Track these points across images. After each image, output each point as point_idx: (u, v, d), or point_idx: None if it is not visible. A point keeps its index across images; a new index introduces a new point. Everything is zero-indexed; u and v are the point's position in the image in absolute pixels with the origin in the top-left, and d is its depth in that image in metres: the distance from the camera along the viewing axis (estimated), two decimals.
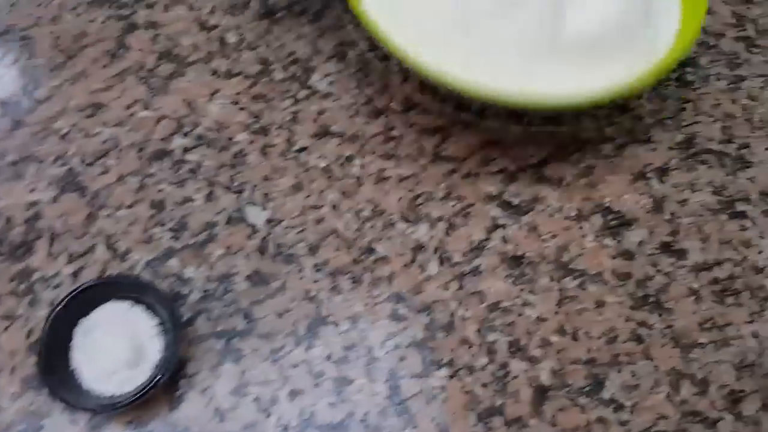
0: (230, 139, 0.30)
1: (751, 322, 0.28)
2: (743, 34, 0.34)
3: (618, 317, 0.28)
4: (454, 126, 0.31)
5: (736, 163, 0.31)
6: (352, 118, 0.31)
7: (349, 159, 0.30)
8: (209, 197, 0.29)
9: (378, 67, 0.32)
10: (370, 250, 0.28)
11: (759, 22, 0.34)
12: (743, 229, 0.30)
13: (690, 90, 0.32)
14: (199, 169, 0.29)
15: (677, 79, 0.33)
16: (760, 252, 0.29)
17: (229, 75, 0.31)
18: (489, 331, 0.27)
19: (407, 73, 0.32)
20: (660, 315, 0.28)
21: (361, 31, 0.32)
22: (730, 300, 0.28)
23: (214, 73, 0.31)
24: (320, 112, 0.31)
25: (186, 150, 0.29)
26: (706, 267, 0.29)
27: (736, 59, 0.33)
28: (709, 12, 0.34)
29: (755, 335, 0.28)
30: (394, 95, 0.31)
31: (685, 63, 0.33)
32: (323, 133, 0.30)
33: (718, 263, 0.29)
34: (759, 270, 0.29)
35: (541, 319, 0.28)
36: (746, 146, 0.32)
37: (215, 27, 0.32)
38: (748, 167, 0.31)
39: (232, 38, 0.32)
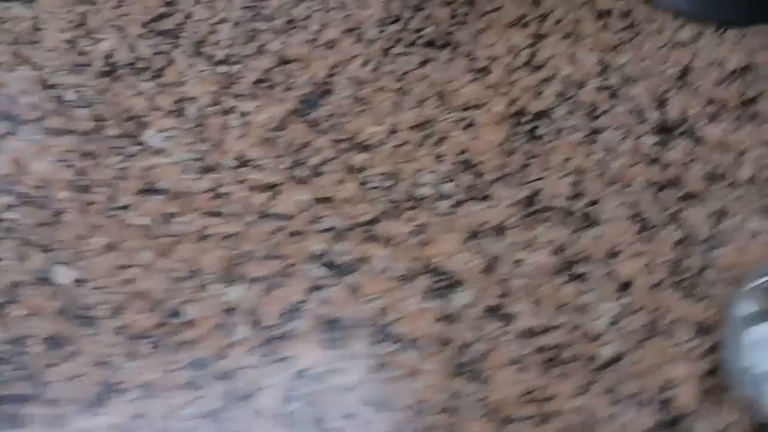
0: (51, 197, 0.30)
1: (577, 395, 0.27)
2: (607, 83, 0.34)
3: (431, 386, 0.27)
4: (287, 182, 0.31)
5: (582, 221, 0.30)
6: (181, 175, 0.31)
7: (171, 216, 0.30)
8: (20, 257, 0.29)
9: (217, 122, 0.32)
10: (177, 313, 0.28)
11: (625, 70, 0.34)
12: (581, 293, 0.29)
13: (539, 144, 0.32)
14: (16, 228, 0.30)
15: (527, 133, 0.32)
16: (596, 319, 0.28)
17: (62, 133, 0.32)
18: (290, 401, 0.27)
19: (246, 128, 0.32)
20: (477, 385, 0.27)
21: (206, 83, 0.33)
22: (556, 371, 0.27)
23: (47, 131, 0.32)
24: (148, 169, 0.31)
25: (7, 208, 0.30)
26: (534, 333, 0.28)
27: (596, 110, 0.33)
28: (573, 61, 0.34)
29: (579, 410, 0.26)
30: (229, 151, 0.32)
31: (539, 116, 0.33)
32: (148, 191, 0.31)
33: (548, 330, 0.28)
34: (593, 338, 0.28)
35: (348, 388, 0.27)
36: (596, 203, 0.31)
37: (55, 86, 0.33)
38: (594, 225, 0.30)
39: (70, 96, 0.33)
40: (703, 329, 0.28)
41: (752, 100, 0.34)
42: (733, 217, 0.31)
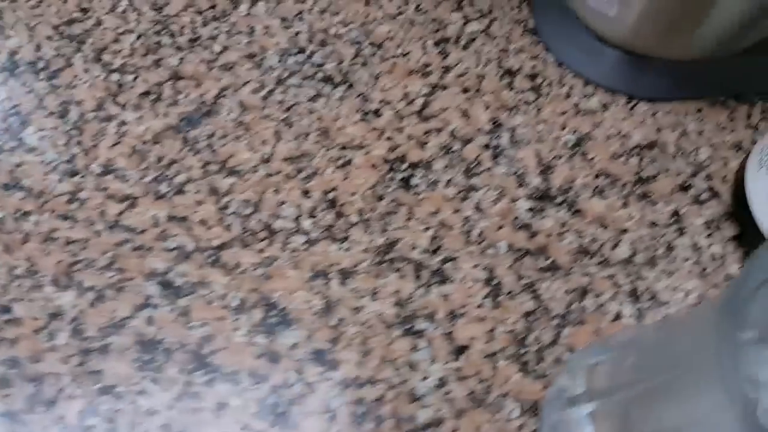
0: None
1: None
2: (494, 142, 0.34)
3: (235, 424, 0.27)
4: (146, 196, 0.32)
5: (432, 277, 0.31)
6: (46, 175, 0.32)
7: (26, 215, 0.31)
8: None
9: (94, 128, 0.34)
10: (6, 310, 0.29)
11: (518, 131, 0.35)
12: (414, 350, 0.29)
13: (410, 193, 0.32)
14: None
15: (401, 181, 0.33)
16: (424, 378, 0.28)
17: None
18: (91, 415, 0.27)
19: (121, 137, 0.33)
20: (282, 428, 0.27)
21: (95, 89, 0.35)
22: (367, 426, 0.27)
23: None
24: (18, 165, 0.33)
25: None
26: (354, 384, 0.28)
27: (477, 167, 0.33)
28: (465, 116, 0.35)
29: None
30: (98, 158, 0.33)
31: (416, 165, 0.33)
32: (11, 186, 0.32)
33: (370, 382, 0.28)
34: (414, 399, 0.28)
35: (151, 412, 0.27)
36: (452, 260, 0.31)
37: None
38: (445, 283, 0.30)
39: None
40: (533, 409, 0.28)
41: (647, 179, 0.34)
42: (596, 296, 0.31)
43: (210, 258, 0.31)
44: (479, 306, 0.30)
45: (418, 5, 0.39)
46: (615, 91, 0.37)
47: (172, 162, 0.33)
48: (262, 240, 0.32)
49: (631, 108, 0.36)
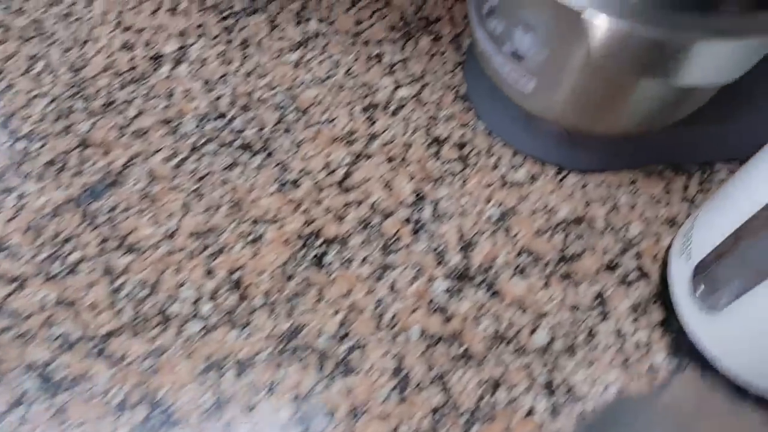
0: None
1: None
2: (415, 216, 0.30)
3: None
4: (36, 277, 0.27)
5: (337, 368, 0.26)
6: None
7: None
8: None
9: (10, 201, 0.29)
10: None
11: (441, 204, 0.30)
12: None
13: (322, 273, 0.28)
14: None
15: (313, 258, 0.28)
16: None
17: None
18: None
19: (19, 211, 0.29)
20: None
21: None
22: None
23: None
24: None
25: None
26: None
27: (395, 244, 0.29)
28: (388, 187, 0.30)
29: None
30: None
31: (331, 241, 0.29)
32: None
33: None
34: None
35: None
36: (359, 348, 0.26)
37: None
38: (350, 374, 0.26)
39: None
40: None
41: (572, 258, 0.30)
42: (509, 389, 0.26)
43: (95, 348, 0.26)
44: (384, 401, 0.26)
45: (349, 69, 0.35)
46: (545, 161, 0.33)
47: (69, 238, 0.29)
48: (154, 327, 0.27)
49: (561, 179, 0.32)
